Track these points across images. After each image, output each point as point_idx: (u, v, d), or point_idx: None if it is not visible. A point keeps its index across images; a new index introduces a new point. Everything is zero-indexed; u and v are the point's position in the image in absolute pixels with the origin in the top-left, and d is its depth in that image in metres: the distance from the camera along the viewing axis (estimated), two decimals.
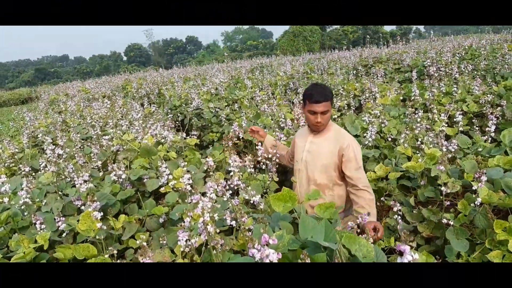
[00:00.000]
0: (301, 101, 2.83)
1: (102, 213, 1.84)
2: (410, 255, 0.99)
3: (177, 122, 6.25)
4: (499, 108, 3.74)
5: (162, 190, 2.56)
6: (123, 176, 2.59)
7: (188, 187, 1.85)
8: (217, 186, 1.85)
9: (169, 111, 6.91)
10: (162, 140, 3.52)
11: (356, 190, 2.42)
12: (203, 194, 1.81)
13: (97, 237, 1.88)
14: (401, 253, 1.01)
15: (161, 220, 2.32)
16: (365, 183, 2.43)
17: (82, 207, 2.31)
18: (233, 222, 1.82)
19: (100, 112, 5.41)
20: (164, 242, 1.84)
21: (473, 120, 3.78)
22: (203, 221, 1.71)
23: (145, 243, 1.92)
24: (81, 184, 2.40)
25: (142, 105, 7.36)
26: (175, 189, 2.58)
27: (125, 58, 77.62)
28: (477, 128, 3.70)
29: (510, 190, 2.12)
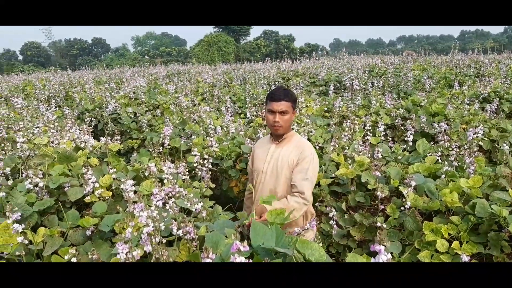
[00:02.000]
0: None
1: (23, 225, 1.59)
2: (384, 255, 1.01)
3: (89, 127, 5.81)
4: (408, 120, 4.12)
5: (87, 199, 2.32)
6: (41, 184, 2.29)
7: (131, 194, 1.69)
8: (162, 194, 1.72)
9: (81, 115, 6.38)
10: (82, 145, 3.21)
11: (293, 195, 2.29)
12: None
13: (17, 252, 1.61)
14: (376, 253, 1.02)
15: (88, 233, 2.09)
16: (305, 196, 2.26)
17: None
18: (179, 232, 1.70)
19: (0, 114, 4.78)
20: (95, 256, 1.65)
21: (386, 131, 4.11)
22: (147, 231, 1.58)
23: (75, 259, 1.72)
24: None
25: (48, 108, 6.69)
26: (101, 198, 2.36)
27: (20, 57, 70.40)
28: (390, 138, 4.04)
29: (432, 194, 2.32)
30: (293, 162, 2.37)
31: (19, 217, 1.65)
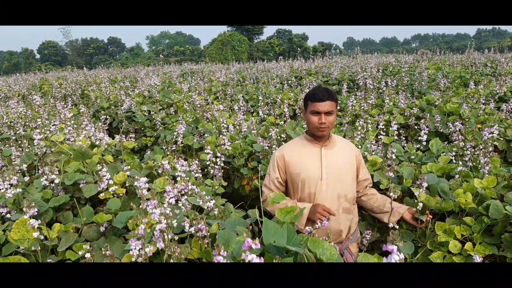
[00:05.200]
0: (302, 107, 2.42)
1: (39, 221, 1.63)
2: (397, 255, 1.01)
3: (104, 125, 5.90)
4: (422, 120, 4.08)
5: (101, 196, 2.36)
6: (57, 181, 2.34)
7: (145, 192, 1.72)
8: (175, 191, 1.74)
9: (96, 113, 6.49)
10: (97, 143, 3.26)
11: (370, 189, 2.48)
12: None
13: (32, 247, 1.65)
14: (388, 253, 1.02)
15: (102, 229, 2.12)
16: None
17: (8, 215, 2.04)
18: (191, 229, 1.72)
19: (18, 112, 4.88)
20: (108, 252, 1.68)
21: (400, 131, 4.08)
22: (160, 228, 1.60)
23: (89, 255, 1.75)
24: (6, 189, 2.12)
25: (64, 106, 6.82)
26: (116, 195, 2.40)
27: (38, 56, 71.77)
28: (403, 138, 4.01)
29: (445, 195, 2.30)
30: (354, 160, 2.37)
31: (35, 213, 1.69)
